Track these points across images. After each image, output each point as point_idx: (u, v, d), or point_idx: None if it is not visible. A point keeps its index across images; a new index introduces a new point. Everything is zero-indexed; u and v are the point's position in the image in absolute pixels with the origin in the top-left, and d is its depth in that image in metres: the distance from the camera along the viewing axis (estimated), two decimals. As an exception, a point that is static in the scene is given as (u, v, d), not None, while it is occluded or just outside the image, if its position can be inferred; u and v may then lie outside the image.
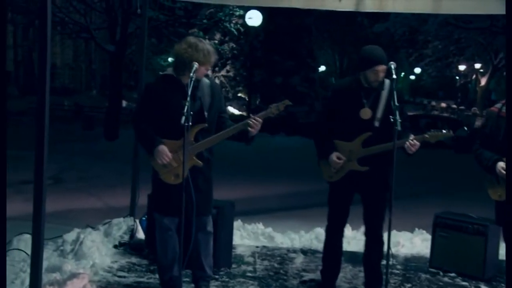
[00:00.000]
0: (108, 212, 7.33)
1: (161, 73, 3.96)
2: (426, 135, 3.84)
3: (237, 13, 19.77)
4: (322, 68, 48.51)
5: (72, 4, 16.52)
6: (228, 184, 8.39)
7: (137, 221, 5.37)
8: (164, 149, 3.71)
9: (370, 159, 3.91)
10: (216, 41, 32.74)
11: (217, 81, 37.03)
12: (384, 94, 3.90)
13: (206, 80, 3.92)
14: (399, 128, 3.50)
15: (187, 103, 3.45)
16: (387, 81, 3.92)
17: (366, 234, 4.22)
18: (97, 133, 17.81)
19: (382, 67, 3.82)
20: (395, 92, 3.64)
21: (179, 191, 3.54)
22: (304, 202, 8.89)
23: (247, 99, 28.19)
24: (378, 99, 3.90)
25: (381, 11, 5.01)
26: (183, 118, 3.42)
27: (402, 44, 31.80)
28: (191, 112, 3.46)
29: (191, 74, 3.62)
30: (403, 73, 63.11)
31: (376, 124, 3.89)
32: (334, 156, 3.96)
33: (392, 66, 3.75)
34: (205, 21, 19.10)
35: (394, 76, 3.71)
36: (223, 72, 36.98)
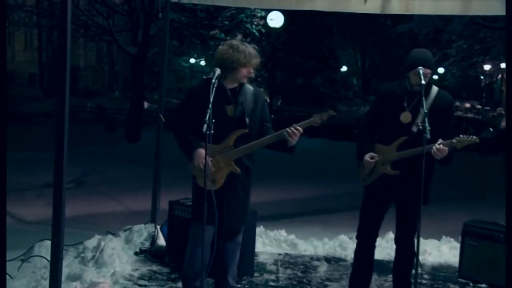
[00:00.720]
0: (129, 217, 7.30)
1: (204, 76, 3.85)
2: (454, 141, 3.71)
3: (259, 15, 19.67)
4: (344, 68, 48.18)
5: (95, 7, 16.61)
6: (255, 187, 8.23)
7: (158, 227, 5.30)
8: (202, 153, 3.61)
9: (404, 165, 3.83)
10: (237, 42, 32.68)
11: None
12: (429, 100, 3.82)
13: (249, 87, 3.84)
14: (428, 136, 3.43)
15: (208, 111, 3.37)
16: (435, 88, 3.88)
17: (397, 242, 4.09)
18: (119, 135, 17.89)
19: (424, 70, 3.74)
20: (423, 98, 3.56)
21: (215, 197, 3.50)
22: (327, 206, 8.77)
23: (268, 100, 28.13)
24: (420, 105, 3.77)
25: (407, 13, 4.87)
26: (205, 126, 3.34)
27: (425, 44, 31.35)
28: (230, 117, 3.45)
29: (213, 80, 3.54)
30: (426, 73, 62.25)
31: (414, 129, 3.82)
32: (367, 156, 3.93)
33: (421, 71, 3.65)
34: (226, 22, 19.03)
35: (423, 82, 3.61)
36: (244, 73, 36.91)
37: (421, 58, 3.80)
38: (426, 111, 3.47)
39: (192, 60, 38.19)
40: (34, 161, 11.63)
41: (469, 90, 51.44)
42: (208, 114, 3.37)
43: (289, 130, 3.61)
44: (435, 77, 52.21)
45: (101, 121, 22.34)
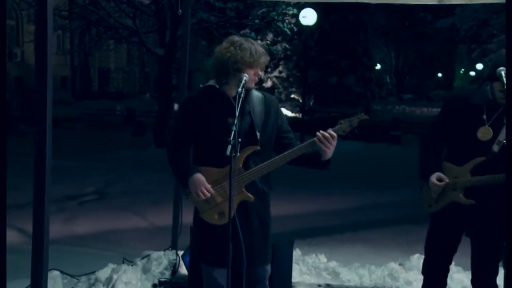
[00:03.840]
0: (152, 233, 6.76)
1: (201, 85, 3.13)
2: None
3: (291, 12, 18.92)
4: (377, 66, 47.03)
5: (121, 7, 16.17)
6: (279, 198, 7.35)
7: (180, 254, 4.65)
8: (200, 178, 2.91)
9: (481, 193, 3.05)
10: (268, 42, 32.13)
11: (269, 82, 36.48)
12: None
13: (257, 93, 3.09)
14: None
15: (233, 128, 2.65)
16: None
17: (474, 285, 3.29)
18: (147, 139, 17.39)
19: None
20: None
21: (225, 234, 2.76)
22: (368, 219, 7.97)
23: (300, 100, 27.38)
24: (504, 118, 2.99)
25: (471, 3, 4.09)
26: (229, 147, 2.64)
27: (461, 40, 30.07)
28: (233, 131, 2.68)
29: (239, 89, 2.81)
30: (462, 70, 60.59)
31: (495, 148, 3.01)
32: (434, 177, 3.15)
33: (503, 73, 2.86)
34: (257, 21, 18.35)
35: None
36: (276, 73, 36.31)
37: None
38: None
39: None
40: (56, 170, 11.16)
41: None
42: (233, 132, 2.67)
43: (319, 135, 2.85)
44: (472, 73, 50.57)
45: (129, 125, 21.89)
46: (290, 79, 35.03)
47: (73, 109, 23.24)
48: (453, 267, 3.72)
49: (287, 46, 31.76)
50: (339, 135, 2.91)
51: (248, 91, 3.01)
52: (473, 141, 3.04)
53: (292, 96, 36.26)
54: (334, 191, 9.87)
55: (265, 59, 2.96)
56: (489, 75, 3.01)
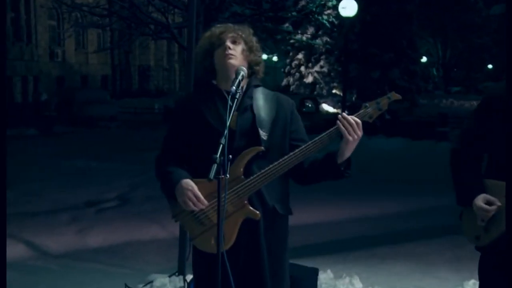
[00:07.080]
0: (171, 245, 6.16)
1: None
2: None
3: (330, 4, 18.07)
4: (423, 59, 45.39)
5: (151, 2, 15.71)
6: (306, 201, 6.43)
7: (187, 280, 4.01)
8: (189, 183, 2.28)
9: None
10: (309, 36, 31.30)
11: (310, 77, 35.61)
12: None
13: (268, 90, 2.48)
14: None
15: (222, 141, 2.08)
16: None
17: None
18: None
19: None
20: None
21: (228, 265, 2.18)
22: (412, 228, 7.13)
23: (342, 96, 26.40)
24: None
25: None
26: (213, 168, 2.01)
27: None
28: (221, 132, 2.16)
29: (233, 87, 2.22)
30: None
31: None
32: (480, 200, 2.41)
33: None
34: (294, 13, 17.57)
35: None
36: (317, 68, 35.44)
37: None
38: None
39: (264, 56, 37.17)
40: (82, 173, 10.78)
41: None
42: (221, 147, 2.07)
43: (341, 117, 2.27)
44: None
45: (166, 123, 21.55)
46: (332, 74, 34.13)
47: (110, 107, 23.00)
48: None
49: (328, 39, 30.86)
50: (365, 122, 2.29)
51: (250, 85, 2.42)
52: None
53: (334, 91, 35.34)
54: (373, 195, 8.90)
55: (225, 29, 2.41)
56: None
